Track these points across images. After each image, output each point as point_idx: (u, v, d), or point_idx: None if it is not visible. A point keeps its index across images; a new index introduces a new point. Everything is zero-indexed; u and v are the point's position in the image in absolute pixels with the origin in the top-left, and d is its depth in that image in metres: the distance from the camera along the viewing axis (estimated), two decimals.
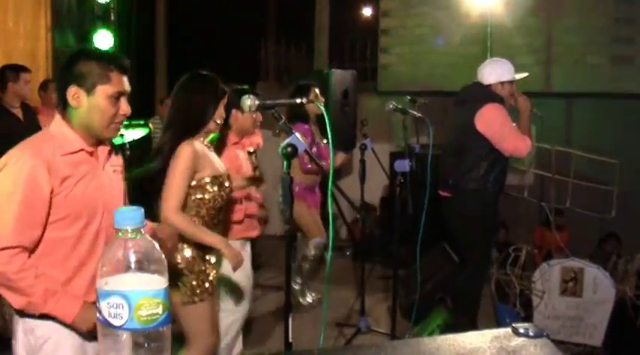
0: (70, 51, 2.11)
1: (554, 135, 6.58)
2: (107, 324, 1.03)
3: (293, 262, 4.56)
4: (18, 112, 4.93)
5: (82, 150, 2.04)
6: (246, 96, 2.59)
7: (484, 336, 1.39)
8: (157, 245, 1.09)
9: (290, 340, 2.49)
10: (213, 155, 2.85)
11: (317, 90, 4.67)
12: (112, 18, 7.11)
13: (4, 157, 1.97)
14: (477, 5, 7.05)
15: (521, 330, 1.39)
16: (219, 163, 2.85)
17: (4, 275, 1.90)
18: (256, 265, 4.86)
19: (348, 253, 6.76)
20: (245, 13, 8.88)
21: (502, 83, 4.18)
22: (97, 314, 1.05)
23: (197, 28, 7.70)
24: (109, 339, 1.04)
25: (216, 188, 2.73)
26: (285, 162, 2.44)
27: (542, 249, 5.87)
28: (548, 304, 4.56)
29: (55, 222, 1.98)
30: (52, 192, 1.95)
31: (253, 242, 3.66)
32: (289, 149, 2.43)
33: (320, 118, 4.33)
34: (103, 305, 1.03)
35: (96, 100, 2.01)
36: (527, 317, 4.57)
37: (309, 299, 5.06)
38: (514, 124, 4.13)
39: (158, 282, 1.05)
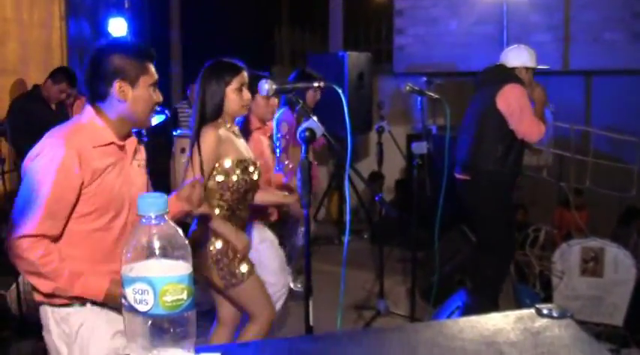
0: (98, 46, 2.09)
1: (572, 114, 6.52)
2: (133, 310, 1.04)
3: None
4: (52, 105, 5.13)
5: (112, 143, 2.06)
6: (264, 80, 2.59)
7: (507, 318, 1.39)
8: (180, 231, 1.09)
9: (311, 323, 2.51)
10: (239, 140, 2.89)
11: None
12: (126, 6, 7.09)
13: (38, 146, 1.99)
14: None
15: (545, 311, 1.39)
16: (245, 148, 2.90)
17: (28, 261, 1.92)
18: None
19: (365, 236, 6.77)
20: None
21: (526, 68, 4.19)
22: (123, 300, 1.07)
23: (211, 14, 7.67)
24: (134, 325, 1.06)
25: (239, 172, 2.78)
26: (303, 147, 2.44)
27: (561, 230, 5.83)
28: (568, 284, 4.54)
29: (84, 216, 2.00)
30: (82, 184, 1.96)
31: (272, 226, 3.67)
32: (308, 133, 2.42)
33: (322, 106, 4.30)
34: (129, 291, 1.04)
35: (140, 92, 2.06)
36: (547, 298, 4.55)
37: (298, 285, 5.00)
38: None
39: (182, 268, 1.06)
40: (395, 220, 5.91)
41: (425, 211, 4.16)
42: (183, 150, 5.44)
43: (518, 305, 4.52)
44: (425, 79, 6.73)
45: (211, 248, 2.81)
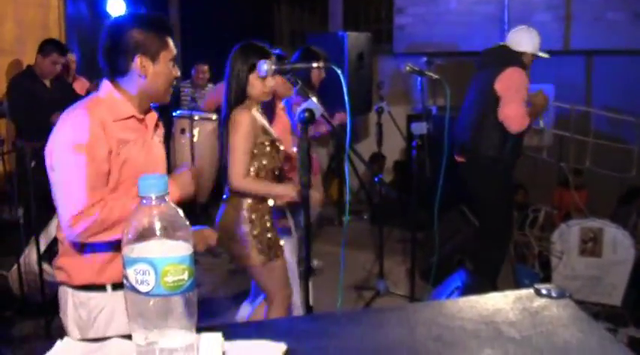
0: (117, 20, 2.06)
1: (573, 94, 6.50)
2: (134, 290, 1.05)
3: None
4: (46, 81, 5.05)
5: (133, 116, 2.04)
6: (262, 61, 2.57)
7: (506, 298, 1.39)
8: (180, 211, 1.10)
9: (310, 303, 2.52)
10: (265, 122, 2.93)
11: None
12: None
13: (61, 121, 1.94)
14: None
15: (544, 291, 1.40)
16: (271, 129, 2.94)
17: (96, 223, 1.88)
18: None
19: (365, 217, 6.78)
20: None
21: (533, 55, 4.15)
22: (124, 281, 1.07)
23: None
24: (136, 306, 1.06)
25: (275, 152, 2.85)
26: (302, 128, 2.44)
27: (561, 210, 5.84)
28: (567, 264, 4.56)
29: (111, 190, 1.96)
30: (110, 153, 1.93)
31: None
32: (307, 114, 2.42)
33: (322, 86, 4.28)
34: (130, 271, 1.05)
35: (160, 67, 2.03)
36: (546, 278, 4.58)
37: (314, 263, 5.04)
38: (526, 101, 4.08)
39: (183, 248, 1.06)
40: (395, 201, 5.92)
41: (424, 192, 4.17)
42: (182, 131, 5.43)
43: (517, 285, 4.55)
44: (425, 59, 6.70)
45: (247, 227, 2.86)
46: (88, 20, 7.00)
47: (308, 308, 2.53)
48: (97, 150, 1.90)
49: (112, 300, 2.04)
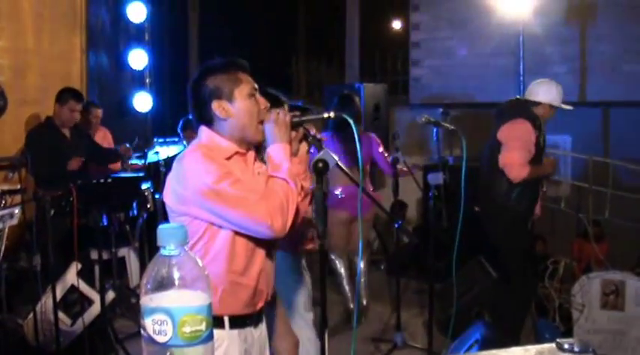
0: (194, 76, 2.20)
1: (591, 145, 6.49)
2: (152, 341, 1.04)
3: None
4: (65, 131, 5.13)
5: (237, 153, 2.14)
6: (274, 110, 2.60)
7: (528, 352, 1.36)
8: (199, 261, 1.10)
9: None
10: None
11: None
12: (146, 38, 7.22)
13: (180, 172, 2.06)
14: (508, 15, 7.00)
15: (566, 346, 1.36)
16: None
17: (282, 207, 2.01)
18: None
19: (382, 267, 6.72)
20: (275, 30, 8.96)
21: (551, 106, 4.18)
22: (142, 332, 1.07)
23: (229, 46, 7.79)
24: None
25: None
26: (317, 178, 2.44)
27: (581, 262, 5.75)
28: (589, 318, 4.46)
29: None
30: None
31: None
32: (320, 164, 2.43)
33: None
34: (148, 322, 1.04)
35: (239, 104, 2.11)
36: (567, 332, 4.47)
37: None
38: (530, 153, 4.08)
39: (201, 299, 1.06)
40: (411, 251, 5.88)
41: (441, 242, 4.14)
42: None
43: (538, 338, 4.45)
44: (441, 110, 6.75)
45: None
46: (109, 72, 7.17)
47: None
48: (229, 173, 2.03)
49: (228, 339, 2.10)
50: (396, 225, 2.91)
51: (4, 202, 3.72)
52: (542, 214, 4.58)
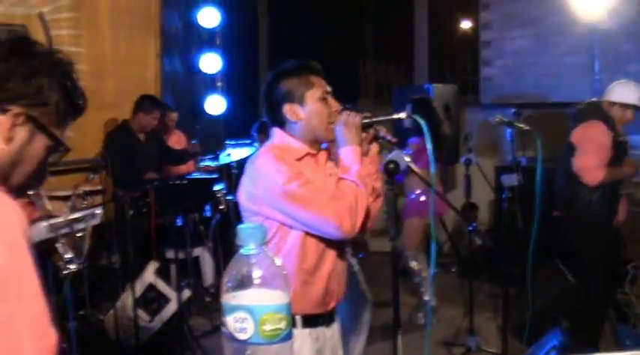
0: (267, 79, 2.25)
1: None
2: (233, 338, 1.07)
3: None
4: (141, 135, 5.35)
5: (308, 154, 2.18)
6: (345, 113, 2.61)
7: None
8: (278, 261, 1.12)
9: None
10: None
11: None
12: (218, 42, 7.37)
13: (255, 173, 2.11)
14: (581, 13, 6.77)
15: None
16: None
17: (350, 209, 2.05)
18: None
19: (453, 270, 6.62)
20: (343, 31, 8.98)
21: (627, 105, 4.04)
22: (223, 329, 1.09)
23: (298, 50, 7.82)
24: (234, 354, 1.08)
25: None
26: (387, 179, 2.43)
27: None
28: None
29: None
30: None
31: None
32: (391, 165, 2.42)
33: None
34: (229, 319, 1.07)
35: (310, 107, 2.15)
36: None
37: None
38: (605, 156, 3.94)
39: (280, 298, 1.08)
40: (484, 254, 5.77)
41: (515, 245, 4.04)
42: None
43: (618, 345, 4.28)
44: (513, 110, 6.58)
45: None
46: (182, 76, 7.36)
47: None
48: (300, 173, 2.07)
49: (299, 338, 2.13)
50: (470, 228, 2.86)
51: (86, 203, 3.88)
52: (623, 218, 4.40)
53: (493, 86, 7.80)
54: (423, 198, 4.69)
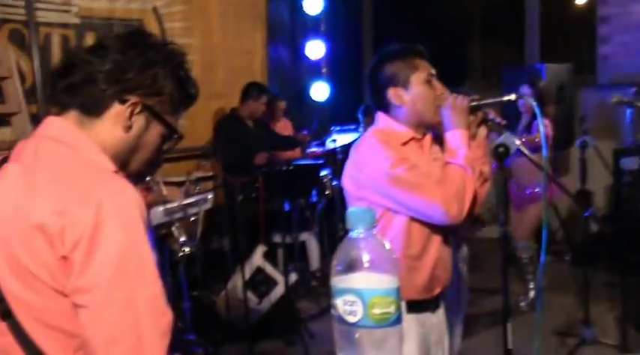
0: (372, 62, 2.23)
1: None
2: (342, 321, 1.07)
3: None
4: (249, 122, 5.51)
5: (412, 138, 2.17)
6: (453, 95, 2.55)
7: None
8: (387, 244, 1.11)
9: (509, 347, 2.40)
10: None
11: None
12: (322, 29, 7.42)
13: (359, 159, 2.13)
14: None
15: None
16: None
17: (458, 194, 2.02)
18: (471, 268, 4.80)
19: (566, 258, 6.34)
20: (450, 10, 8.76)
21: None
22: (332, 311, 1.10)
23: (403, 34, 7.75)
24: (344, 336, 1.08)
25: None
26: (498, 163, 2.36)
27: None
28: None
29: None
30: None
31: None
32: (501, 149, 2.34)
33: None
34: (339, 302, 1.07)
35: (414, 91, 2.13)
36: None
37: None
38: None
39: (390, 282, 1.07)
40: (600, 241, 5.49)
41: (635, 231, 3.82)
42: None
43: None
44: (634, 89, 6.19)
45: None
46: (287, 64, 7.47)
47: (507, 352, 2.41)
48: (405, 158, 2.04)
49: (406, 322, 2.15)
50: (587, 214, 2.73)
51: (198, 188, 4.04)
52: None
53: (611, 64, 7.35)
54: (537, 189, 4.53)
